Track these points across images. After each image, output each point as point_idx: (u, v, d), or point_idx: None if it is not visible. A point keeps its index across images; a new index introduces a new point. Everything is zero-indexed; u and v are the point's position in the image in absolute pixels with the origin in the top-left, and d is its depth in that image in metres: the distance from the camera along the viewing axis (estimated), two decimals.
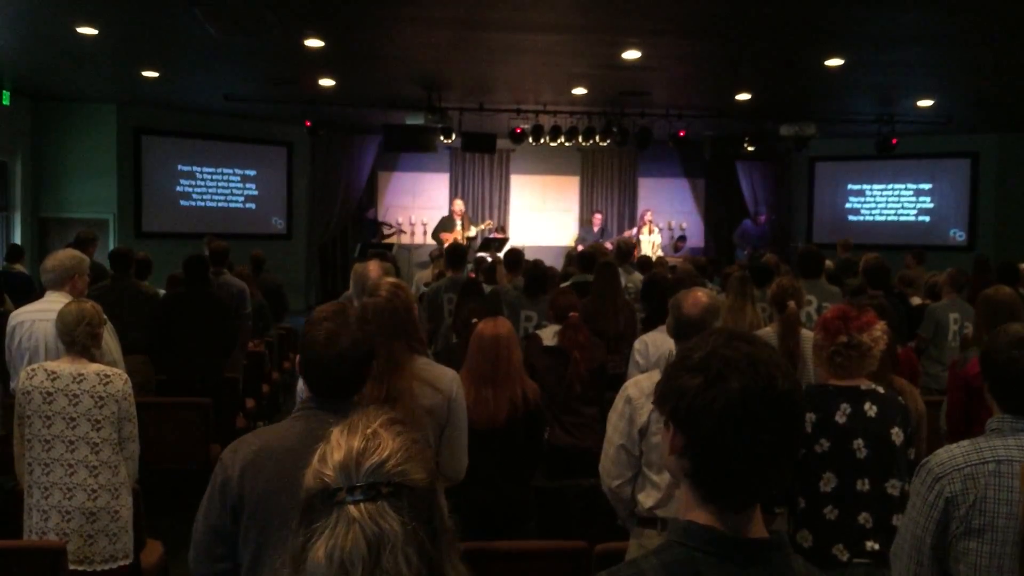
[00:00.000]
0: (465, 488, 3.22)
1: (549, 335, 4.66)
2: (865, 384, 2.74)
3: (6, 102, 10.10)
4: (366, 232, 12.99)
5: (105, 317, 3.74)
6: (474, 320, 3.67)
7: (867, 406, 2.68)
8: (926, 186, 13.33)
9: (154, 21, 7.08)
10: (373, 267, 3.81)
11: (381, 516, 1.09)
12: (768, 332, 4.36)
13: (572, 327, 4.49)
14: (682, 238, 13.61)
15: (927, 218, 13.33)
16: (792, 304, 4.27)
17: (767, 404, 1.15)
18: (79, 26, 7.12)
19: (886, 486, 2.66)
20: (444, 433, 2.86)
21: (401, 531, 1.09)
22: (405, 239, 13.75)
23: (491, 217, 13.77)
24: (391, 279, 3.18)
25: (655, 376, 2.93)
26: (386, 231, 13.25)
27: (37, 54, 8.49)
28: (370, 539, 1.08)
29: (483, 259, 9.59)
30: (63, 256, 4.39)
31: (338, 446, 1.15)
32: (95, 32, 7.30)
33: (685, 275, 5.97)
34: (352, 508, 1.10)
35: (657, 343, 4.05)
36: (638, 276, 7.23)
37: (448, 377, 2.88)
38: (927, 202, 13.34)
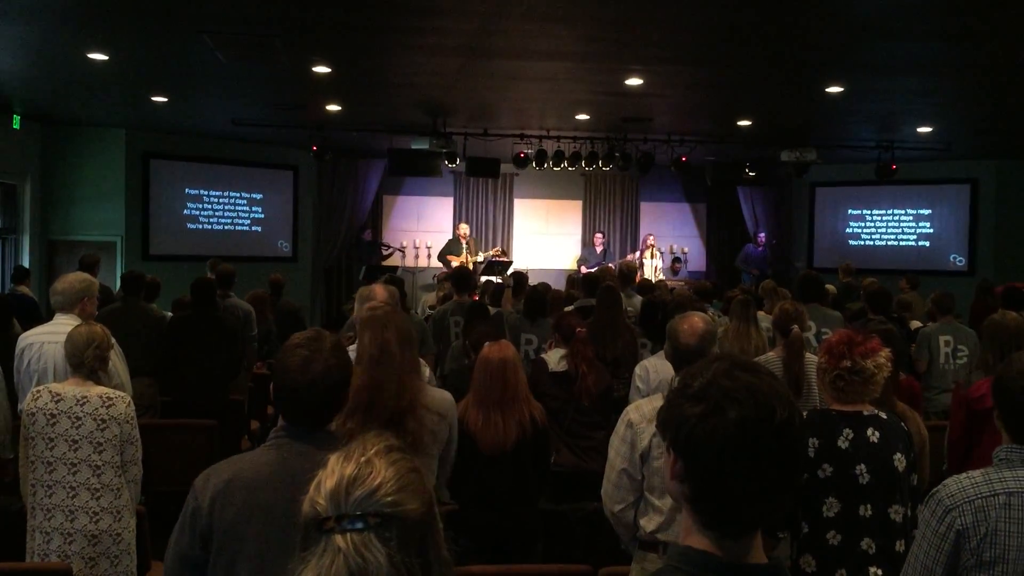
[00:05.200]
0: (474, 511, 3.23)
1: (555, 359, 4.68)
2: (868, 409, 2.75)
3: (16, 126, 10.17)
4: (363, 253, 13.04)
5: (113, 340, 3.77)
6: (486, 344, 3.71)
7: (870, 431, 2.69)
8: (926, 211, 13.36)
9: (164, 47, 7.16)
10: (379, 290, 3.84)
11: (367, 547, 1.07)
12: (771, 357, 4.38)
13: (581, 342, 4.52)
14: (678, 259, 13.65)
15: (927, 243, 13.36)
16: (796, 328, 4.29)
17: (766, 435, 1.15)
18: (89, 52, 7.20)
19: (889, 511, 2.66)
20: (441, 454, 2.89)
21: (387, 563, 1.07)
22: (409, 261, 13.80)
23: (495, 241, 13.82)
24: (391, 307, 3.24)
25: (656, 400, 2.95)
26: (384, 251, 13.30)
27: (47, 79, 8.57)
28: (353, 570, 1.06)
29: (490, 282, 9.63)
30: (73, 279, 4.40)
31: (332, 473, 1.14)
32: (105, 58, 7.38)
33: (684, 299, 5.99)
34: (338, 538, 1.08)
35: (657, 368, 4.06)
36: (639, 300, 7.24)
37: (449, 402, 2.90)
38: (927, 227, 13.37)
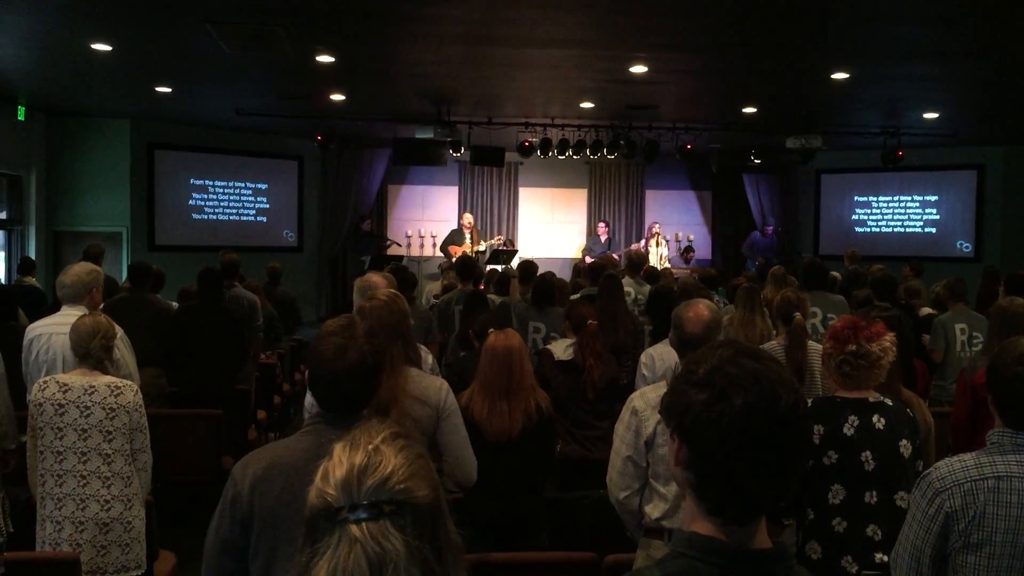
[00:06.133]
0: (479, 500, 3.24)
1: (560, 349, 4.68)
2: (873, 396, 2.75)
3: (21, 117, 10.19)
4: (361, 244, 13.06)
5: (120, 329, 3.79)
6: (492, 331, 3.70)
7: (875, 418, 2.70)
8: (932, 198, 13.32)
9: (168, 38, 7.16)
10: (377, 278, 3.82)
11: (383, 535, 1.07)
12: (774, 345, 4.37)
13: (590, 335, 4.51)
14: (689, 248, 13.63)
15: (933, 230, 13.32)
16: (799, 316, 4.28)
17: (770, 421, 1.15)
18: (94, 43, 7.21)
19: (894, 498, 2.67)
20: (442, 442, 2.88)
21: (404, 550, 1.07)
22: (414, 251, 13.80)
23: (500, 230, 13.82)
24: (390, 290, 3.22)
25: (661, 388, 2.95)
26: (384, 243, 13.33)
27: (52, 70, 8.58)
28: (372, 559, 1.06)
29: (494, 271, 9.63)
30: (80, 270, 4.39)
31: (340, 463, 1.13)
32: (109, 49, 7.38)
33: (690, 287, 5.98)
34: (354, 527, 1.08)
35: (664, 356, 4.06)
36: (648, 288, 7.23)
37: (436, 388, 2.88)
38: (933, 214, 13.33)
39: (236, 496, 1.95)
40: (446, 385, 2.95)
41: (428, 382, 2.89)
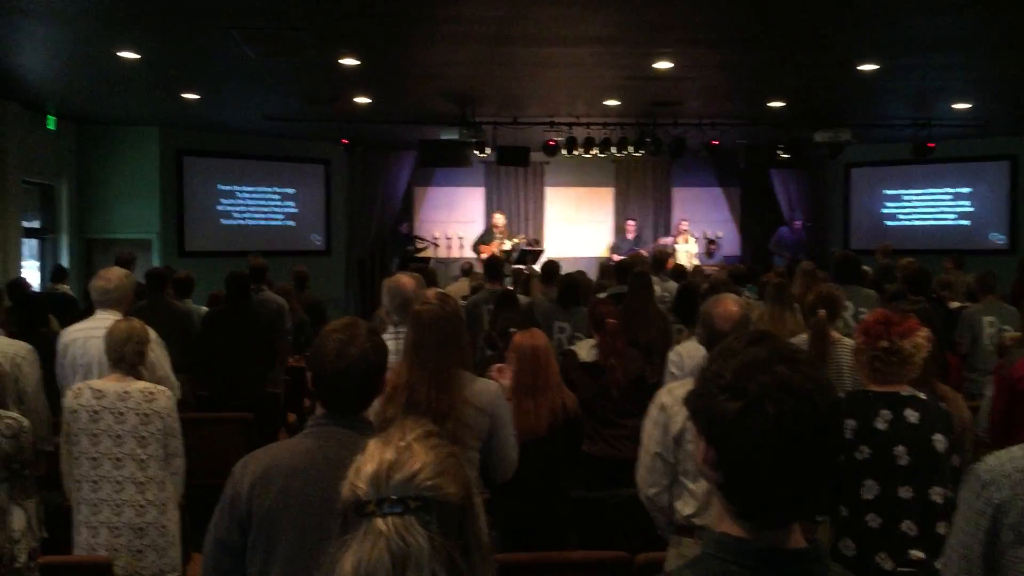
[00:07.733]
0: (506, 499, 3.23)
1: (584, 350, 4.65)
2: (906, 390, 2.70)
3: (52, 127, 10.36)
4: (400, 246, 13.11)
5: (154, 333, 3.83)
6: (512, 330, 3.69)
7: (908, 412, 2.65)
8: (965, 190, 13.08)
9: (193, 45, 7.24)
10: (406, 280, 3.82)
11: (408, 531, 1.09)
12: (804, 338, 4.31)
13: (611, 334, 4.49)
14: (713, 241, 13.48)
15: (967, 222, 13.08)
16: (822, 313, 4.19)
17: (807, 430, 1.11)
18: (120, 51, 7.30)
19: (929, 493, 2.62)
20: (489, 442, 2.87)
21: (428, 547, 1.09)
22: (441, 252, 13.84)
23: (526, 229, 13.79)
24: (438, 290, 3.22)
25: (690, 384, 2.92)
26: (419, 244, 13.36)
27: (80, 80, 8.71)
28: (395, 553, 1.08)
29: (519, 271, 9.61)
30: (122, 275, 4.40)
31: (371, 458, 1.16)
32: (136, 57, 7.48)
33: (719, 284, 5.94)
34: (379, 521, 1.10)
35: (692, 354, 4.03)
36: (672, 285, 7.19)
37: (490, 395, 2.88)
38: (966, 206, 13.09)
39: (235, 496, 1.96)
40: (498, 388, 2.95)
41: (482, 387, 2.89)
